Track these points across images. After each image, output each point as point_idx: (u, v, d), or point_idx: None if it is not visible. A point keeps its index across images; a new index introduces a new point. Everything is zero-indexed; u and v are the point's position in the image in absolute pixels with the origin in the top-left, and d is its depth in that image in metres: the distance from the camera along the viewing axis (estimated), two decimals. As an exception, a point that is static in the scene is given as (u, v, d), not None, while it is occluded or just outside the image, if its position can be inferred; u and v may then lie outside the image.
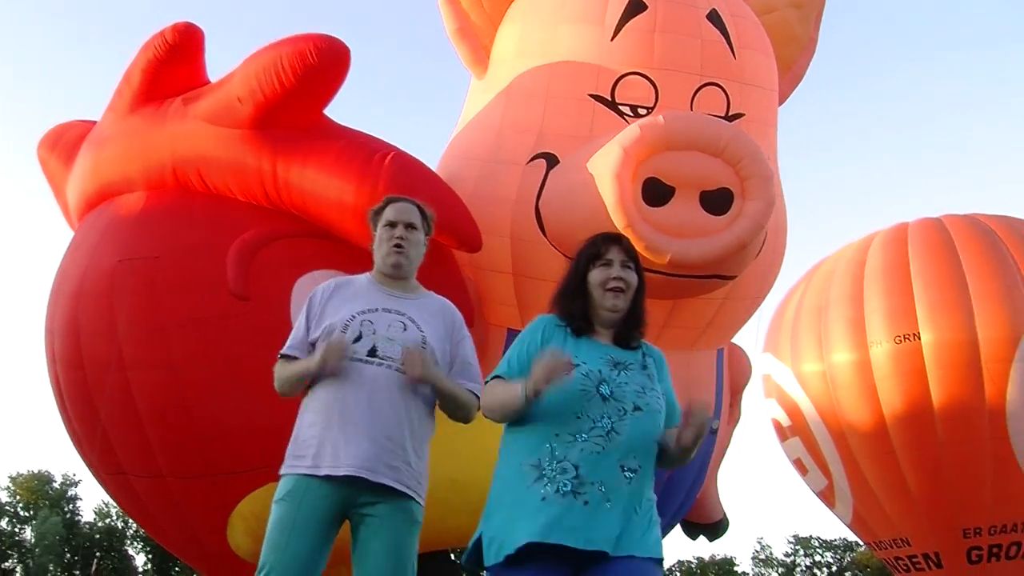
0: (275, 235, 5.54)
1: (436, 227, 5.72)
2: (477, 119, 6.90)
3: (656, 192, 5.71)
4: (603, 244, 2.82)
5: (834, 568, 55.11)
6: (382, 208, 3.18)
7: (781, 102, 7.53)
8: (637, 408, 2.55)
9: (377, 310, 3.03)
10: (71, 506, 39.88)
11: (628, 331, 2.73)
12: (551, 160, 6.19)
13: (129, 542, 40.17)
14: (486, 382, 2.77)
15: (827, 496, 14.57)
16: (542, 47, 6.62)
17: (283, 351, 3.10)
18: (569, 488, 2.45)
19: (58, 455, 63.42)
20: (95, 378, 5.48)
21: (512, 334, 6.48)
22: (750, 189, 5.72)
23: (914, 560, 14.01)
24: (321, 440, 2.88)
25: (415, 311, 3.09)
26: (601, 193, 5.66)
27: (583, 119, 6.27)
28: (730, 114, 6.40)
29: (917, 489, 13.08)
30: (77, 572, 45.95)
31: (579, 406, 2.53)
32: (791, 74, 7.56)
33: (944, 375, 12.66)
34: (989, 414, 12.52)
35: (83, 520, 39.94)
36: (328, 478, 2.83)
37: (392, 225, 3.13)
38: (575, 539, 2.41)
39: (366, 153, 5.43)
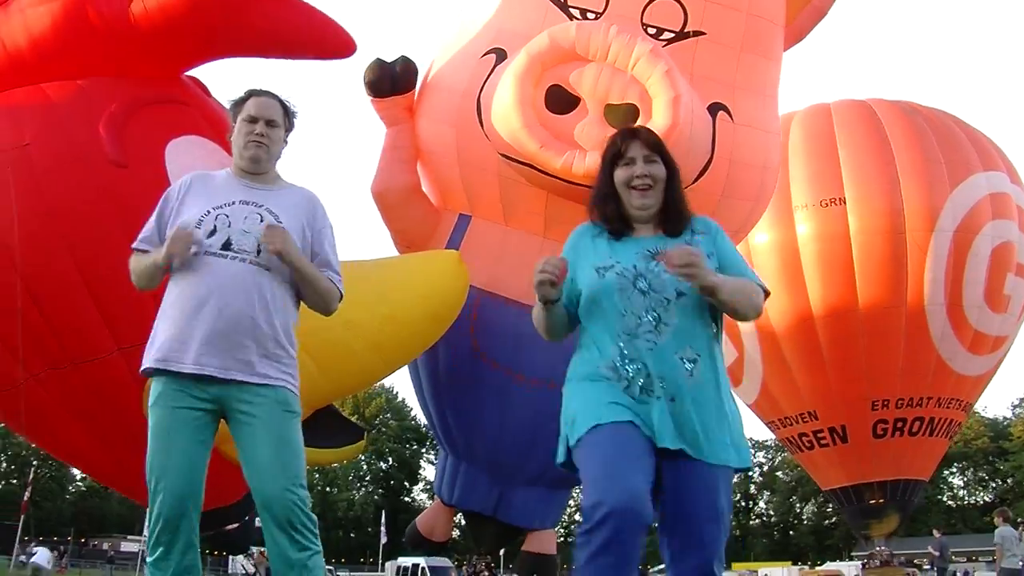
0: (138, 103, 5.51)
1: (307, 46, 5.71)
2: (463, 14, 7.07)
3: (561, 100, 5.83)
4: (622, 141, 2.67)
5: (766, 467, 57.96)
6: (243, 100, 3.11)
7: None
8: (681, 294, 2.49)
9: (234, 203, 2.98)
10: (7, 414, 39.10)
11: (671, 223, 2.64)
12: (501, 55, 6.30)
13: (67, 450, 39.59)
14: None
15: (734, 371, 14.92)
16: None
17: (135, 245, 3.04)
18: (643, 385, 2.45)
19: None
20: None
21: (463, 219, 6.77)
22: (654, 109, 5.65)
23: (819, 435, 14.42)
24: (173, 338, 2.85)
25: (274, 202, 3.03)
26: (503, 94, 5.84)
27: (536, 19, 6.34)
28: (686, 30, 6.27)
29: (831, 357, 13.49)
30: (15, 480, 45.62)
31: (621, 304, 2.50)
32: (794, 27, 7.26)
33: (867, 241, 13.05)
34: (909, 285, 12.93)
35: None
36: (189, 376, 2.82)
37: (253, 120, 3.07)
38: (647, 431, 2.43)
39: None
